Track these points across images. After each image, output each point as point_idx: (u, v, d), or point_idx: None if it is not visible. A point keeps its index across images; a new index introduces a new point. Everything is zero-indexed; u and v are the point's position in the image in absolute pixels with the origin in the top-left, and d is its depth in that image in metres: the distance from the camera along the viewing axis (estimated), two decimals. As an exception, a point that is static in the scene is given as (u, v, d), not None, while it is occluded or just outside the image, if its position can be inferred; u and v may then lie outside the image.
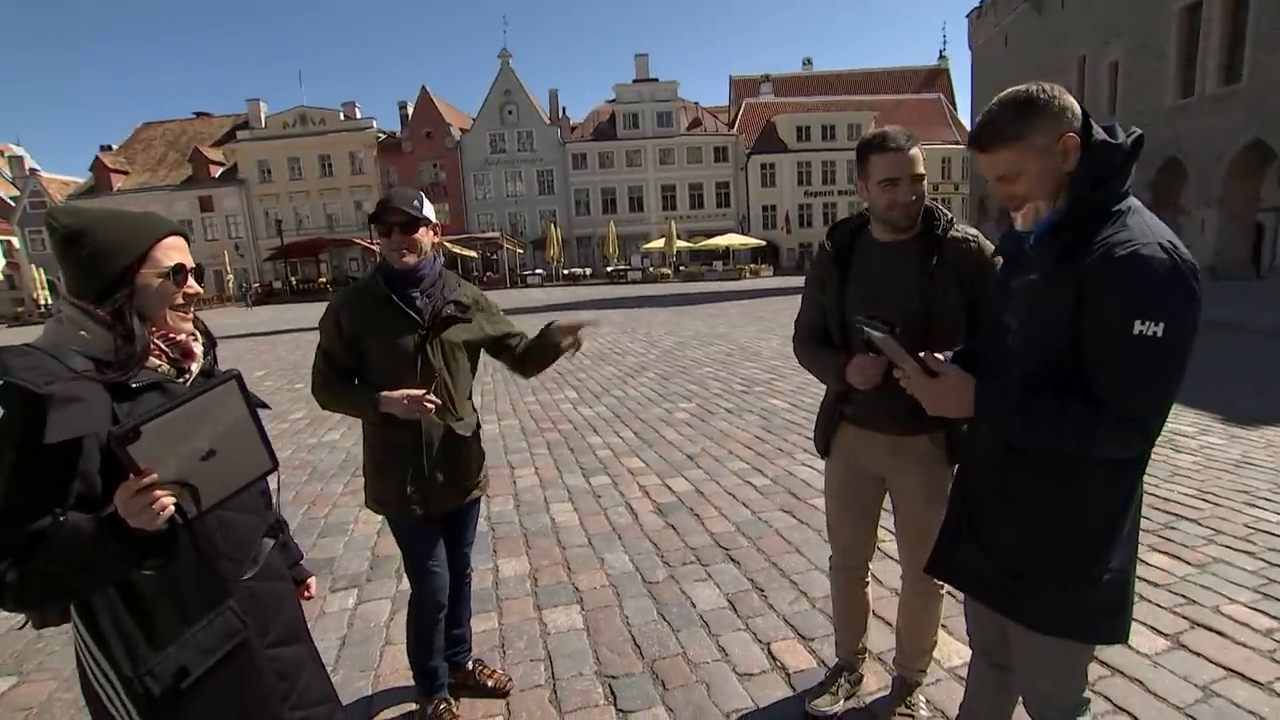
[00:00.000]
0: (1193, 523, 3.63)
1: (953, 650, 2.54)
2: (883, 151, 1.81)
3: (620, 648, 2.75)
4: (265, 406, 1.28)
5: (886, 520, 2.23)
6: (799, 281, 2.23)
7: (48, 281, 37.90)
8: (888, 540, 3.18)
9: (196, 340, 1.29)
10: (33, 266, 40.36)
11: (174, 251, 1.22)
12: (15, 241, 47.65)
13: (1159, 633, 2.63)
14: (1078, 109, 1.30)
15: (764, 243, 43.58)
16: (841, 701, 2.27)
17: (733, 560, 3.47)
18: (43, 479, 1.04)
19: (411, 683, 2.37)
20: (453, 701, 2.35)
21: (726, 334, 13.07)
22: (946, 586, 2.07)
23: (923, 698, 2.26)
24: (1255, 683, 2.31)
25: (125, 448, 0.94)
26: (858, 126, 44.30)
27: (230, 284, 42.71)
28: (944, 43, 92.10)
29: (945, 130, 46.27)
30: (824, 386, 2.17)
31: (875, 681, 2.42)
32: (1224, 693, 2.27)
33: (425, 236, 2.08)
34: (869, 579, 2.31)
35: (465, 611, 2.51)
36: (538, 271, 42.24)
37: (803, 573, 3.29)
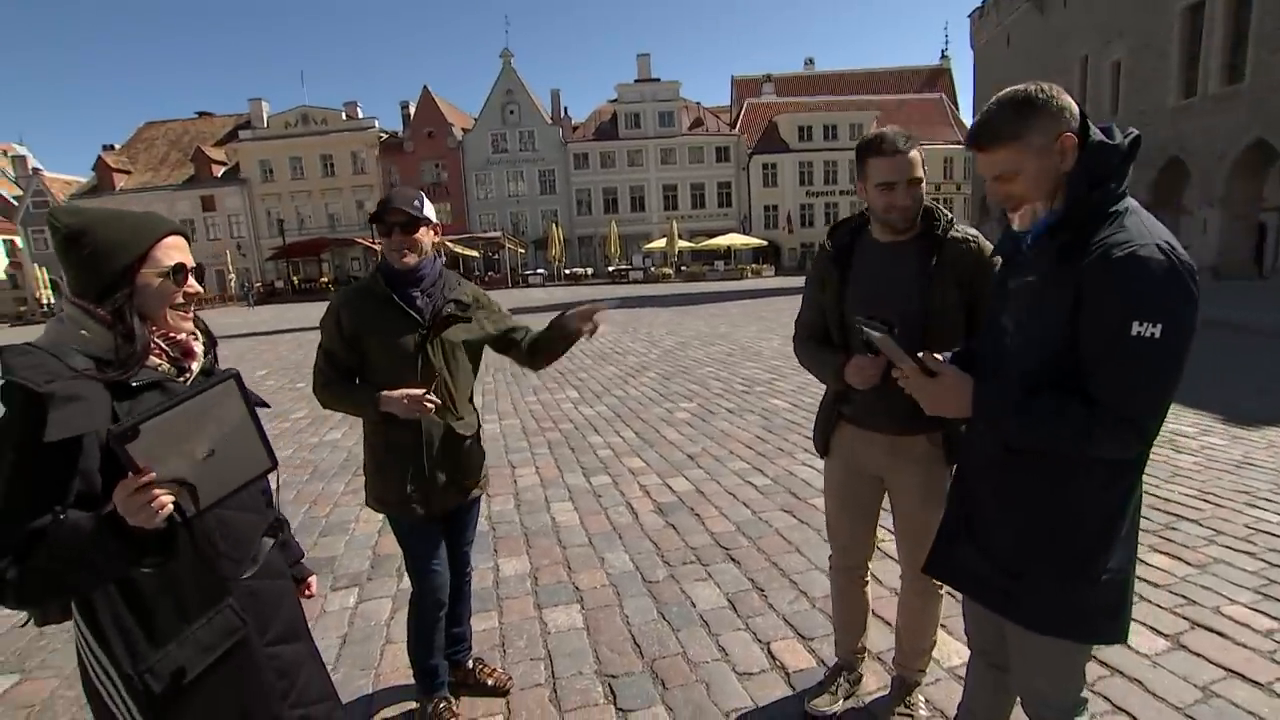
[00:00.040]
0: (1193, 523, 3.63)
1: (952, 650, 2.54)
2: (880, 155, 1.81)
3: (620, 647, 2.75)
4: (265, 405, 1.29)
5: (886, 520, 2.23)
6: (800, 281, 2.24)
7: (50, 281, 37.98)
8: (888, 540, 3.18)
9: (197, 339, 1.30)
10: (36, 266, 40.44)
11: (174, 251, 1.23)
12: (18, 241, 47.76)
13: (1159, 633, 2.63)
14: (1075, 109, 1.31)
15: (766, 243, 43.59)
16: (841, 701, 2.27)
17: (733, 560, 3.48)
18: (43, 477, 1.05)
19: (412, 681, 2.38)
20: (453, 700, 2.36)
21: (728, 334, 13.07)
22: (946, 586, 2.07)
23: (922, 697, 2.26)
24: (1255, 683, 2.31)
25: (124, 446, 0.95)
26: (860, 126, 44.25)
27: (232, 283, 42.76)
28: (946, 42, 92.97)
29: (947, 130, 46.22)
30: (824, 386, 2.17)
31: (875, 681, 2.42)
32: (1224, 693, 2.27)
33: (426, 236, 2.09)
34: (868, 579, 2.31)
35: (465, 610, 2.52)
36: (539, 271, 42.27)
37: (803, 572, 3.29)
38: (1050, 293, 1.30)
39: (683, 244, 38.62)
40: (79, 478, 1.07)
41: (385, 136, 47.37)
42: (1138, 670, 2.40)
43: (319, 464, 5.70)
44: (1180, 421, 5.62)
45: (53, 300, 37.00)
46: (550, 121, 46.73)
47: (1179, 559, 3.23)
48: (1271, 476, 4.27)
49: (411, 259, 2.07)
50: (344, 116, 46.92)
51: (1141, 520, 3.69)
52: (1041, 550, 1.38)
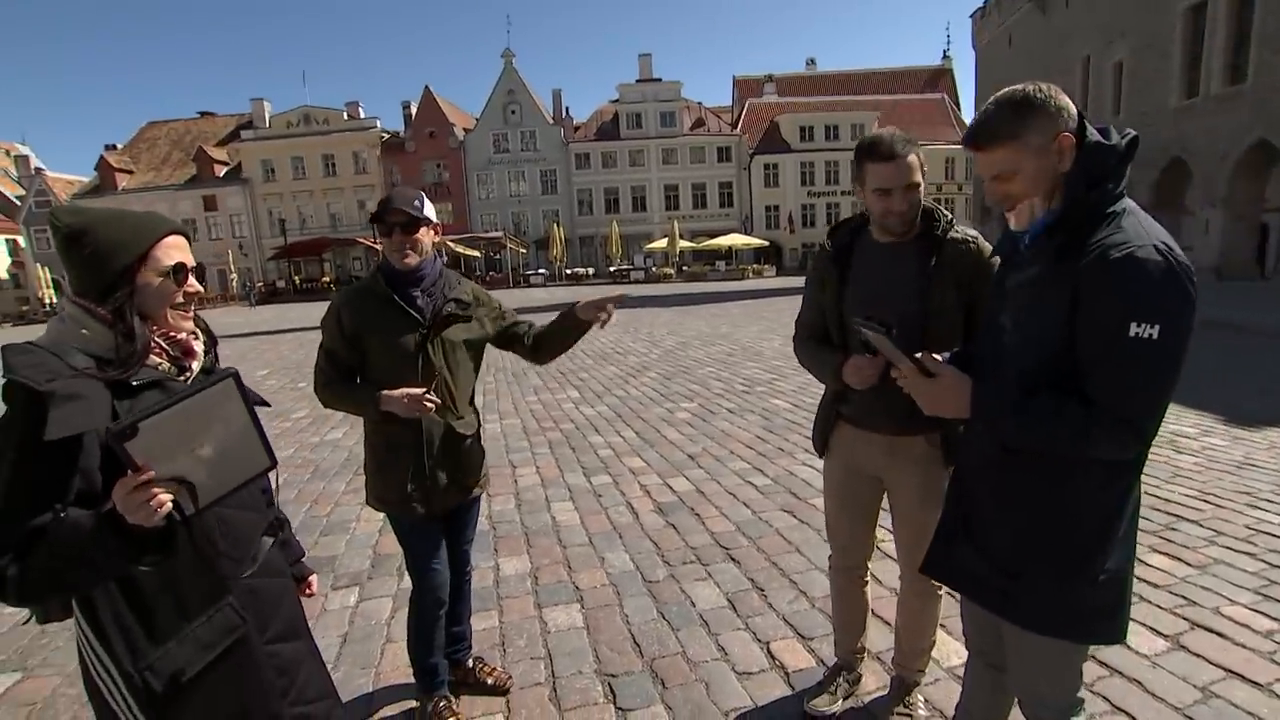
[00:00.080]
0: (1194, 524, 3.62)
1: (951, 650, 2.54)
2: (877, 160, 1.79)
3: (620, 646, 2.76)
4: (265, 404, 1.30)
5: (886, 520, 2.24)
6: (802, 282, 2.24)
7: (53, 280, 38.05)
8: (887, 540, 3.18)
9: (197, 339, 1.31)
10: (38, 265, 40.51)
11: (174, 250, 1.23)
12: (21, 240, 47.86)
13: (1158, 633, 2.63)
14: (1073, 109, 1.31)
15: (767, 243, 43.58)
16: (840, 701, 2.27)
17: (733, 560, 3.48)
18: (44, 475, 1.05)
19: (412, 680, 2.38)
20: (453, 699, 2.36)
21: (729, 334, 13.07)
22: (945, 587, 2.07)
23: (921, 697, 2.26)
24: (1255, 684, 2.31)
25: (122, 444, 0.95)
26: (861, 126, 44.21)
27: (234, 283, 42.82)
28: (948, 43, 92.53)
29: (949, 130, 46.15)
30: (825, 386, 2.17)
31: (874, 681, 2.42)
32: (1223, 694, 2.27)
33: (426, 236, 2.09)
34: (868, 579, 2.31)
35: (465, 609, 2.52)
36: (541, 271, 42.30)
37: (803, 572, 3.30)
38: (1048, 293, 1.30)
39: (684, 244, 38.65)
40: (79, 476, 1.08)
41: (387, 136, 47.41)
42: (1137, 670, 2.40)
43: (320, 463, 5.71)
44: (1181, 422, 5.61)
45: (55, 300, 37.06)
46: (552, 121, 46.75)
47: (1179, 559, 3.23)
48: (1272, 477, 4.27)
49: (412, 259, 2.07)
50: (346, 116, 46.95)
51: (1142, 521, 3.68)
52: (1039, 550, 1.38)
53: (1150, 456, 4.66)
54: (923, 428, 1.87)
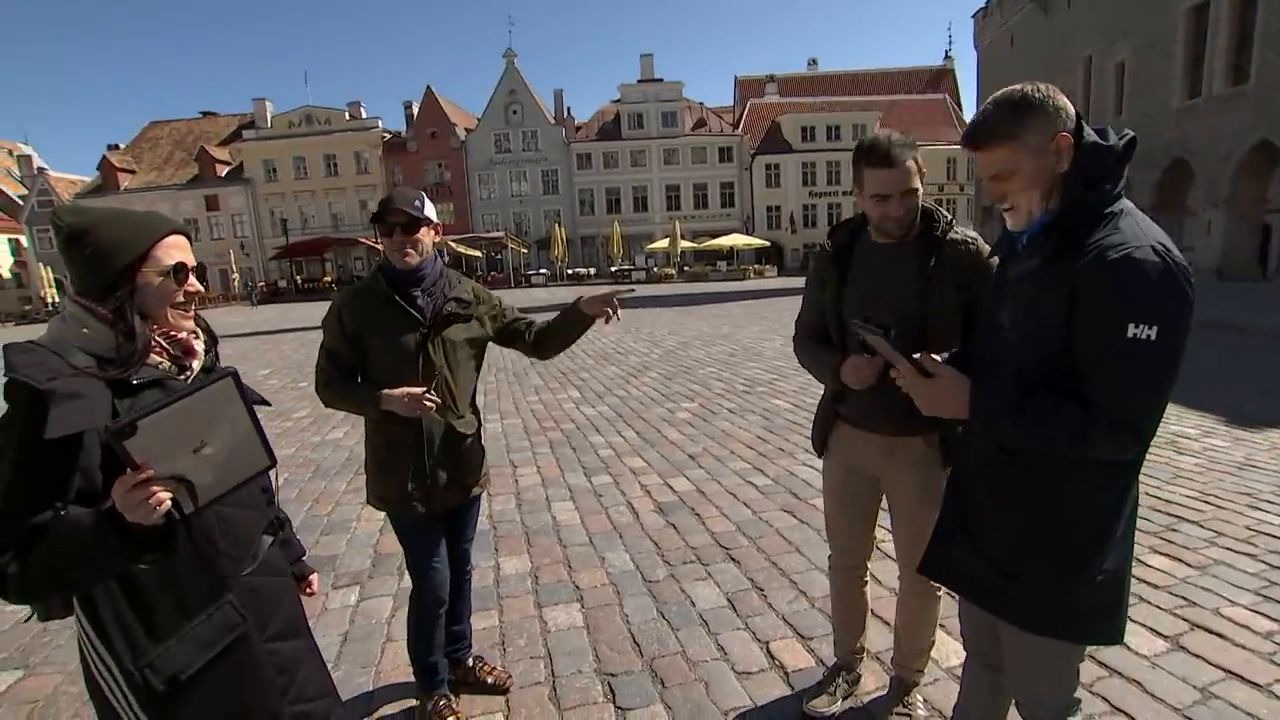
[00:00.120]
0: (1194, 525, 3.62)
1: (951, 650, 2.54)
2: (874, 166, 1.79)
3: (620, 646, 2.76)
4: (265, 403, 1.30)
5: (886, 520, 2.24)
6: (803, 282, 2.24)
7: (55, 280, 38.14)
8: (887, 540, 3.18)
9: (198, 338, 1.31)
10: (40, 265, 40.64)
11: (175, 250, 1.24)
12: (23, 240, 47.94)
13: (1158, 634, 2.63)
14: (1071, 110, 1.31)
15: (768, 243, 43.55)
16: (839, 702, 2.27)
17: (733, 560, 3.48)
18: (44, 473, 1.06)
19: (412, 679, 2.39)
20: (453, 698, 2.37)
21: (730, 334, 13.07)
22: (943, 587, 2.07)
23: (920, 697, 2.27)
24: (1254, 685, 2.31)
25: (121, 442, 0.96)
26: (863, 127, 44.20)
27: (235, 283, 42.86)
28: (949, 43, 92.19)
29: (950, 131, 46.10)
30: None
31: (873, 681, 2.42)
32: (1222, 694, 2.27)
33: (427, 236, 2.10)
34: (867, 579, 2.31)
35: (466, 608, 2.53)
36: (542, 271, 42.30)
37: (802, 572, 3.30)
38: (1045, 293, 1.30)
39: (685, 244, 38.64)
40: (80, 474, 1.09)
41: (389, 136, 47.45)
42: (1137, 671, 2.40)
43: (321, 462, 5.72)
44: (1183, 423, 5.61)
45: (57, 299, 37.13)
46: (553, 121, 46.77)
47: (1179, 560, 3.23)
48: (1273, 478, 4.26)
49: (413, 259, 2.08)
50: (347, 116, 47.01)
51: (1143, 521, 3.67)
52: (1037, 551, 1.39)
53: (1151, 457, 4.68)
54: (921, 428, 1.87)
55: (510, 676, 2.56)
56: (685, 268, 39.77)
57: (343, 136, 46.69)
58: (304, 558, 1.67)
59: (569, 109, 48.50)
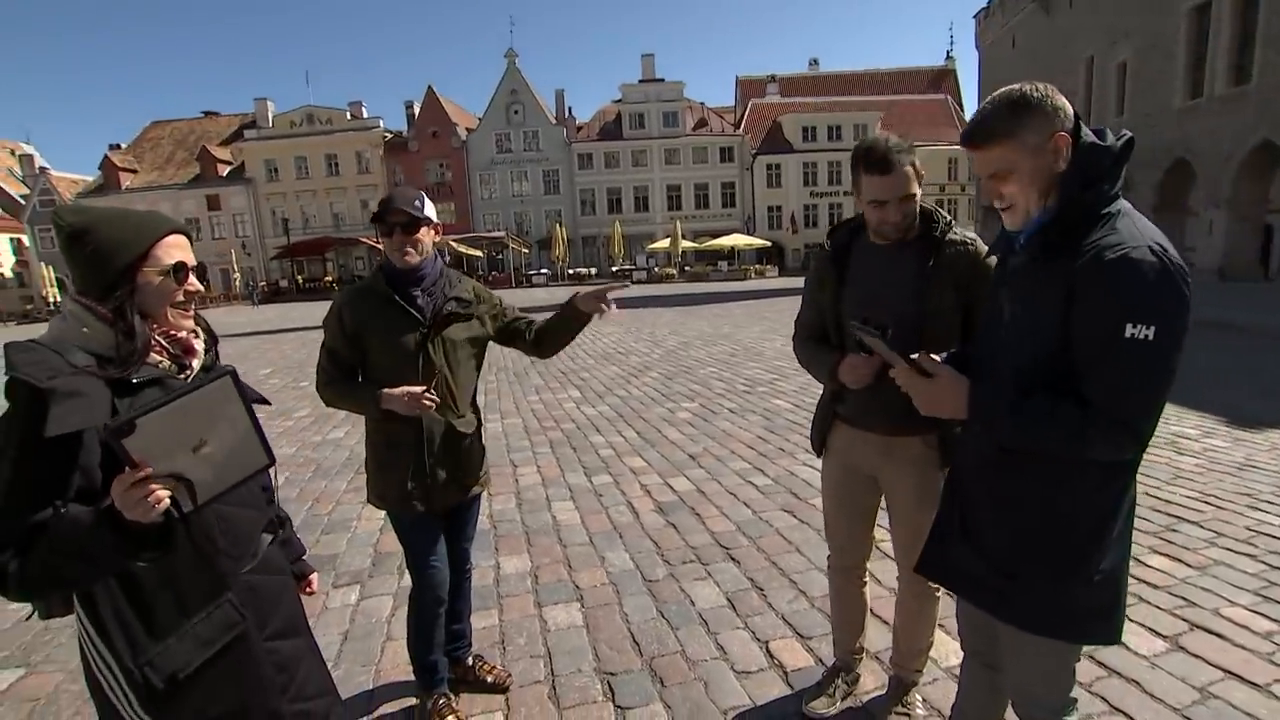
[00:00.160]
0: (1194, 525, 3.62)
1: (950, 650, 2.55)
2: (871, 172, 1.79)
3: (619, 645, 2.76)
4: (265, 402, 1.31)
5: (885, 520, 2.24)
6: (803, 282, 2.25)
7: (57, 279, 38.19)
8: (887, 540, 3.18)
9: (198, 337, 1.32)
10: (42, 264, 40.68)
11: (175, 250, 1.24)
12: (25, 239, 48.02)
13: (1157, 634, 2.63)
14: (1070, 110, 1.31)
15: (769, 243, 43.53)
16: (838, 704, 2.27)
17: (733, 559, 3.49)
18: (44, 472, 1.07)
19: (412, 678, 2.39)
20: (452, 696, 2.37)
21: (730, 334, 13.07)
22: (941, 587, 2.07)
23: (919, 696, 2.27)
24: (1253, 685, 2.31)
25: (120, 441, 0.96)
26: (864, 127, 44.18)
27: (237, 282, 42.91)
28: (951, 43, 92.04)
29: (951, 131, 46.04)
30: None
31: (873, 680, 2.42)
32: (1221, 694, 2.27)
33: (427, 236, 2.10)
34: (866, 579, 2.32)
35: (465, 607, 2.53)
36: (543, 271, 42.31)
37: (802, 572, 3.30)
38: (1044, 293, 1.31)
39: (686, 244, 38.64)
40: (80, 473, 1.09)
41: (390, 136, 47.48)
42: (1136, 671, 2.41)
43: (322, 462, 5.72)
44: (1183, 423, 5.60)
45: (59, 298, 37.18)
46: (554, 121, 46.78)
47: (1179, 561, 3.23)
48: (1274, 479, 4.26)
49: (413, 258, 2.08)
50: (349, 116, 47.05)
51: (1142, 522, 3.67)
52: (1035, 551, 1.39)
53: (1151, 458, 4.67)
54: (919, 428, 1.87)
55: (510, 675, 2.56)
56: (686, 268, 39.76)
57: (344, 136, 46.73)
58: (304, 557, 1.67)
59: (570, 109, 48.56)
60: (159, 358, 1.23)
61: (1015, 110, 1.31)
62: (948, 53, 70.15)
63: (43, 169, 48.70)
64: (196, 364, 1.29)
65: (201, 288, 1.29)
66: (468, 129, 46.85)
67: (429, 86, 46.52)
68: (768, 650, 2.67)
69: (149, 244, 1.21)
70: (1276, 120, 19.05)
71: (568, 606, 3.10)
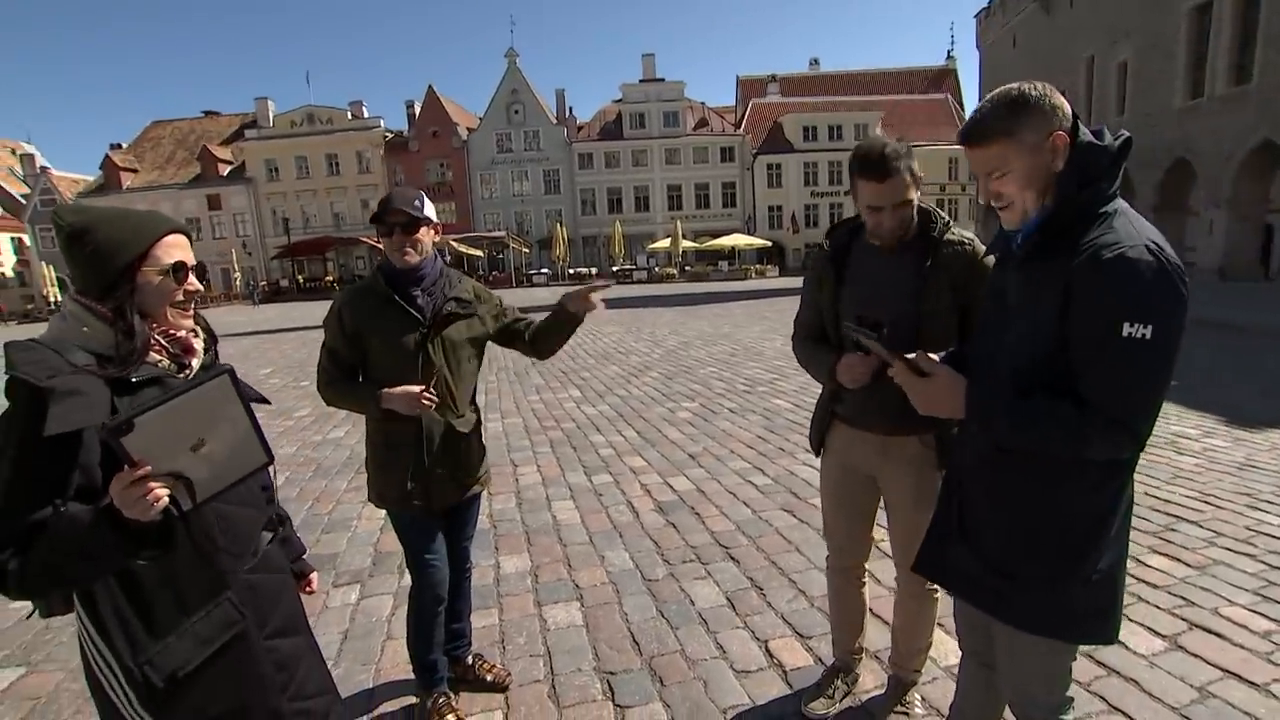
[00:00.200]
0: (1194, 525, 3.62)
1: (949, 649, 2.55)
2: (867, 178, 1.78)
3: (619, 644, 2.77)
4: (264, 401, 1.31)
5: (885, 519, 2.24)
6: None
7: (57, 279, 38.19)
8: (886, 540, 3.18)
9: (197, 336, 1.32)
10: (43, 264, 40.68)
11: (175, 249, 1.25)
12: (26, 239, 48.06)
13: (1156, 634, 2.63)
14: (1068, 109, 1.31)
15: (770, 243, 43.50)
16: (837, 703, 2.28)
17: (732, 559, 3.49)
18: (44, 470, 1.07)
19: (412, 676, 2.40)
20: (452, 695, 2.38)
21: (731, 334, 13.07)
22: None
23: (918, 696, 2.27)
24: (1252, 684, 2.31)
25: (118, 439, 0.96)
26: (865, 127, 44.15)
27: (237, 282, 42.92)
28: (952, 43, 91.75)
29: (952, 131, 45.92)
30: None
31: (872, 680, 2.43)
32: (1220, 694, 2.27)
33: (426, 236, 2.11)
34: (865, 579, 2.32)
35: (465, 606, 2.53)
36: (543, 271, 42.29)
37: (802, 571, 3.30)
38: (1041, 293, 1.31)
39: (687, 244, 38.62)
40: (79, 471, 1.09)
41: (390, 136, 47.47)
42: (1134, 670, 2.41)
43: (322, 461, 5.73)
44: (1183, 423, 5.60)
45: (60, 298, 37.18)
46: (555, 121, 46.76)
47: (1178, 560, 3.23)
48: (1273, 479, 4.26)
49: (412, 258, 2.09)
50: (349, 116, 47.04)
51: (1142, 521, 3.67)
52: (1033, 550, 1.39)
53: (1151, 458, 4.68)
54: (916, 427, 1.87)
55: (510, 674, 2.57)
56: (687, 267, 39.75)
57: (344, 136, 46.73)
58: (304, 556, 1.67)
59: (571, 109, 48.49)
60: (158, 357, 1.23)
61: (1013, 109, 1.31)
62: (949, 52, 70.05)
63: (44, 168, 48.72)
64: (196, 363, 1.30)
65: (201, 287, 1.30)
66: (468, 129, 46.84)
67: (429, 86, 46.56)
68: (767, 650, 2.67)
69: (149, 243, 1.21)
70: (1277, 120, 19.05)
71: (567, 606, 3.11)
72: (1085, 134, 1.31)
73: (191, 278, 1.27)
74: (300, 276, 45.87)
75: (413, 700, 2.43)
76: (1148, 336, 1.18)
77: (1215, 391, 6.63)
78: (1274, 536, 3.44)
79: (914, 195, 1.82)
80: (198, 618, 1.22)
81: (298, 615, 1.47)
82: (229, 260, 43.11)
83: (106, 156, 48.28)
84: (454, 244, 35.26)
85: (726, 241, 40.20)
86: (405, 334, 2.11)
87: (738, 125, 48.20)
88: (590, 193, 46.96)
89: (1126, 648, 2.52)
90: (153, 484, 0.99)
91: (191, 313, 1.30)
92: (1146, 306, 1.19)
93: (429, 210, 2.10)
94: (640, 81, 46.40)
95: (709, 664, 2.60)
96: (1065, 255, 1.27)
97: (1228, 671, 2.38)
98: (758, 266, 40.37)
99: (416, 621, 2.28)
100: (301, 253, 43.33)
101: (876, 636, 2.62)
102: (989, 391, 1.37)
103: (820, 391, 2.21)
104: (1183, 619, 2.73)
